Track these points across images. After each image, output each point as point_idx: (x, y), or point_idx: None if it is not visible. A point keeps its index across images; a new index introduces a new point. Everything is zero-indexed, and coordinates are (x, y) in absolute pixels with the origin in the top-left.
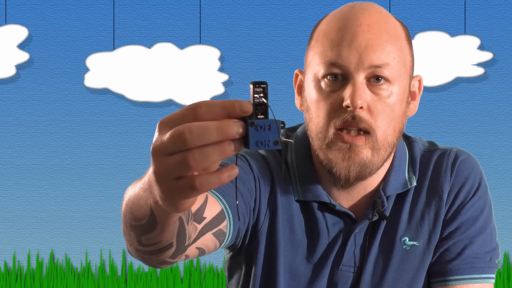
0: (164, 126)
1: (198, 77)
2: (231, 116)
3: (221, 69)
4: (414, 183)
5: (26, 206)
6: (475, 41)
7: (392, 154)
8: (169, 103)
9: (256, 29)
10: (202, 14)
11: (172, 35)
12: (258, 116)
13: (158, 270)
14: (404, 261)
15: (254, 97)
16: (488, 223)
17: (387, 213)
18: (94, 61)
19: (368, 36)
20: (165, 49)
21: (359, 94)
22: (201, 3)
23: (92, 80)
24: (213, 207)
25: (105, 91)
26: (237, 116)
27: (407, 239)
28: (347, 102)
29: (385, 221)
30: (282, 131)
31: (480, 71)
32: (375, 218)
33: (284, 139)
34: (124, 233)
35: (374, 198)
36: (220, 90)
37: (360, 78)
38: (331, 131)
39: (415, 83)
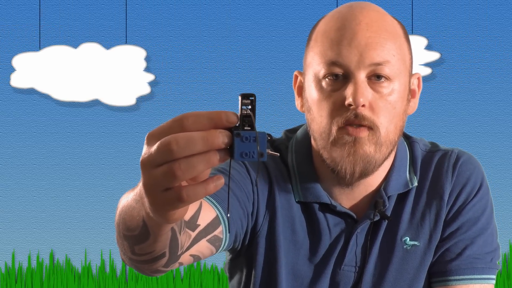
0: (152, 138)
1: (124, 77)
2: (218, 127)
3: (147, 69)
4: (415, 183)
5: (26, 206)
6: (422, 41)
7: (393, 152)
8: (95, 103)
9: (182, 29)
10: (128, 15)
11: (98, 35)
12: (245, 128)
13: None
14: (405, 260)
15: (241, 108)
16: (489, 223)
17: (389, 213)
18: (20, 61)
19: (368, 34)
20: (91, 49)
21: (361, 92)
22: (127, 3)
23: (18, 80)
24: (207, 213)
25: (31, 91)
26: (224, 127)
27: (408, 239)
28: (349, 100)
29: (386, 221)
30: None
31: (427, 71)
32: (377, 218)
33: (270, 152)
34: (118, 242)
35: (375, 198)
36: (146, 90)
37: (361, 76)
38: (334, 129)
39: (414, 81)
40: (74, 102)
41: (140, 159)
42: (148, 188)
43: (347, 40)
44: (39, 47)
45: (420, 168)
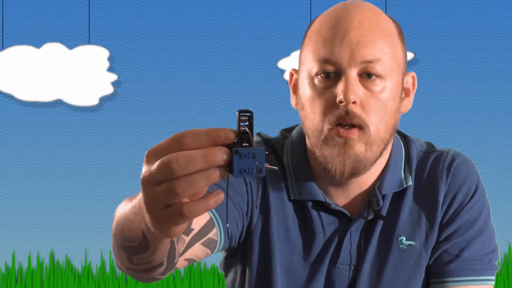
0: (151, 156)
1: (87, 77)
2: (216, 144)
3: (110, 69)
4: (410, 182)
5: (26, 206)
6: None
7: (387, 151)
8: (58, 103)
9: (146, 29)
10: (91, 15)
11: (61, 35)
12: (243, 144)
13: None
14: (401, 260)
15: (239, 125)
16: (486, 225)
17: (384, 212)
18: None
19: (360, 32)
20: (54, 49)
21: (351, 89)
22: (90, 3)
23: None
24: (201, 217)
25: None
26: (222, 144)
27: (404, 239)
28: (340, 97)
29: (381, 220)
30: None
31: None
32: (371, 217)
33: (268, 166)
34: (114, 251)
35: (370, 197)
36: (109, 90)
37: (353, 73)
38: (326, 127)
39: (408, 80)
40: (37, 102)
41: (141, 177)
42: (149, 205)
43: (339, 38)
44: (2, 47)
45: (416, 168)
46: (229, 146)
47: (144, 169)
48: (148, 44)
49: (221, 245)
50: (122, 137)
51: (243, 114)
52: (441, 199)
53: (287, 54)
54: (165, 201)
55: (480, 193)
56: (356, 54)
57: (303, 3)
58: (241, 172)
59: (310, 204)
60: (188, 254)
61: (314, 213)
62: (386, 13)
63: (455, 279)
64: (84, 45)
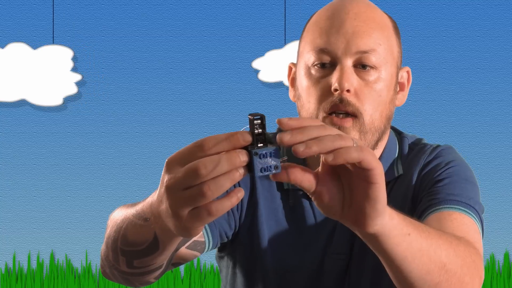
0: (174, 164)
1: (51, 77)
2: (236, 147)
3: (74, 69)
4: (401, 172)
5: (26, 206)
6: None
7: (382, 143)
8: (22, 103)
9: (111, 29)
10: (56, 14)
11: (25, 35)
12: (259, 145)
13: None
14: None
15: (254, 128)
16: (466, 183)
17: None
18: None
19: (355, 23)
20: (18, 49)
21: (346, 77)
22: (54, 3)
23: None
24: None
25: None
26: (240, 146)
27: None
28: (335, 85)
29: None
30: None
31: None
32: None
33: (282, 160)
34: (107, 257)
35: None
36: (73, 90)
37: (348, 63)
38: (321, 115)
39: (403, 74)
40: (0, 102)
41: (165, 184)
42: (176, 209)
43: (335, 28)
44: None
45: (405, 159)
46: (246, 148)
47: (168, 176)
48: (113, 44)
49: (211, 245)
50: (86, 137)
51: (255, 117)
52: (415, 175)
53: (261, 54)
54: (193, 204)
55: (456, 165)
56: (351, 44)
57: (278, 3)
58: (262, 171)
59: (301, 193)
60: (175, 259)
61: (305, 202)
62: (384, 11)
63: (436, 207)
64: (48, 45)
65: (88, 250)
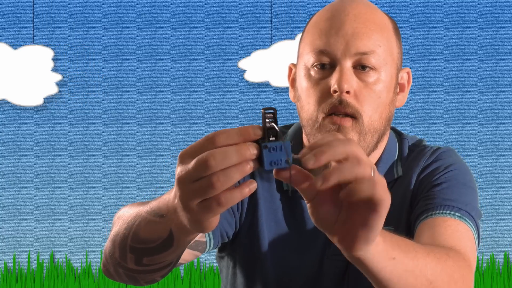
0: (185, 157)
1: (31, 77)
2: (246, 140)
3: (54, 69)
4: (400, 174)
5: (26, 206)
6: None
7: (382, 144)
8: (3, 103)
9: (91, 29)
10: (36, 14)
11: (5, 35)
12: (270, 139)
13: None
14: None
15: (265, 121)
16: (464, 188)
17: None
18: None
19: (355, 24)
20: None
21: (345, 79)
22: (34, 3)
23: None
24: None
25: None
26: (251, 140)
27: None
28: (334, 87)
29: None
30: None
31: None
32: None
33: (294, 156)
34: (113, 255)
35: None
36: (54, 90)
37: (347, 64)
38: (320, 116)
39: (403, 75)
40: None
41: (176, 176)
42: (186, 201)
43: (335, 30)
44: None
45: (405, 161)
46: (257, 141)
47: (180, 169)
48: (94, 44)
49: (212, 245)
50: (66, 137)
51: (268, 111)
52: (414, 177)
53: (247, 54)
54: (203, 195)
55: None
56: (350, 46)
57: (264, 3)
58: (271, 164)
59: (300, 195)
60: None
61: (303, 203)
62: (384, 12)
63: (431, 213)
64: (28, 45)
65: (88, 250)
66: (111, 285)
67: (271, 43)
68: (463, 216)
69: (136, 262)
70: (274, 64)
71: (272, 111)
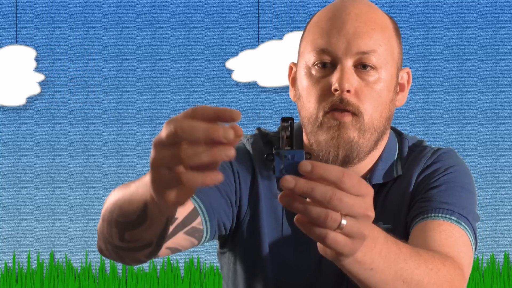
0: (167, 124)
1: (14, 77)
2: (221, 120)
3: (37, 69)
4: (400, 173)
5: (26, 206)
6: None
7: (382, 143)
8: None
9: (73, 29)
10: (18, 14)
11: None
12: (286, 148)
13: (158, 270)
14: None
15: (282, 131)
16: (462, 192)
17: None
18: None
19: (356, 24)
20: None
21: (346, 78)
22: (17, 3)
23: None
24: (184, 207)
25: None
26: (226, 121)
27: (381, 223)
28: (335, 85)
29: None
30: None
31: None
32: None
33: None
34: (102, 231)
35: None
36: (36, 90)
37: (348, 63)
38: (321, 114)
39: (403, 75)
40: None
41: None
42: (154, 165)
43: (336, 29)
44: None
45: (405, 161)
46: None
47: (159, 133)
48: (76, 44)
49: (208, 234)
50: (50, 137)
51: (285, 120)
52: (414, 177)
53: (235, 54)
54: (169, 163)
55: (458, 170)
56: (352, 45)
57: (252, 3)
58: (282, 172)
59: None
60: (170, 243)
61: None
62: (385, 12)
63: (426, 215)
64: (11, 45)
65: (88, 250)
66: (111, 285)
67: (259, 43)
68: (459, 220)
69: (119, 237)
70: (261, 64)
71: (290, 121)
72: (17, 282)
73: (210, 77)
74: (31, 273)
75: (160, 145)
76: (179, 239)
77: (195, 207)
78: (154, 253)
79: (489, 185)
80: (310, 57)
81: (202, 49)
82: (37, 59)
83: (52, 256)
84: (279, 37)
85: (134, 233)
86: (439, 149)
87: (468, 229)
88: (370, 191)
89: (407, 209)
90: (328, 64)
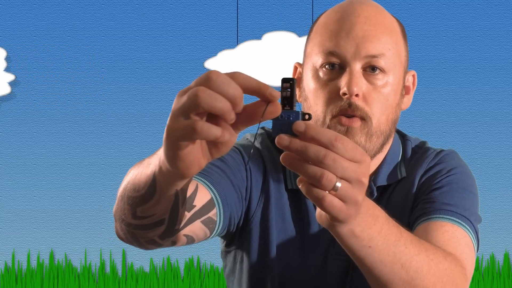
0: (181, 94)
1: None
2: (261, 96)
3: (7, 69)
4: (404, 175)
5: (26, 206)
6: None
7: (387, 146)
8: None
9: (44, 29)
10: None
11: None
12: (285, 108)
13: (158, 269)
14: None
15: (282, 91)
16: (464, 193)
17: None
18: None
19: (365, 27)
20: None
21: (355, 82)
22: None
23: None
24: (203, 195)
25: None
26: (265, 98)
27: None
28: (343, 89)
29: None
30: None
31: None
32: None
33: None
34: (118, 210)
35: None
36: (7, 90)
37: (357, 67)
38: (328, 118)
39: (409, 78)
40: None
41: (171, 110)
42: (173, 113)
43: (345, 32)
44: None
45: (408, 163)
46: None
47: (175, 103)
48: (46, 44)
49: (220, 227)
50: (19, 137)
51: (286, 81)
52: (417, 178)
53: (214, 54)
54: (188, 108)
55: (460, 172)
56: (361, 48)
57: (230, 3)
58: (278, 131)
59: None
60: (188, 230)
61: (309, 202)
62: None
63: (429, 216)
64: None
65: (88, 250)
66: (111, 285)
67: (238, 43)
68: (461, 222)
69: (132, 214)
70: (240, 64)
71: (291, 81)
72: (17, 282)
73: (189, 77)
74: (31, 272)
75: (178, 115)
76: (196, 228)
77: (212, 198)
78: (168, 234)
79: (489, 185)
80: (318, 59)
81: (180, 49)
82: (7, 59)
83: (52, 256)
84: (258, 37)
85: (145, 209)
86: (441, 150)
87: (470, 230)
88: (366, 159)
89: (410, 210)
90: (336, 66)
